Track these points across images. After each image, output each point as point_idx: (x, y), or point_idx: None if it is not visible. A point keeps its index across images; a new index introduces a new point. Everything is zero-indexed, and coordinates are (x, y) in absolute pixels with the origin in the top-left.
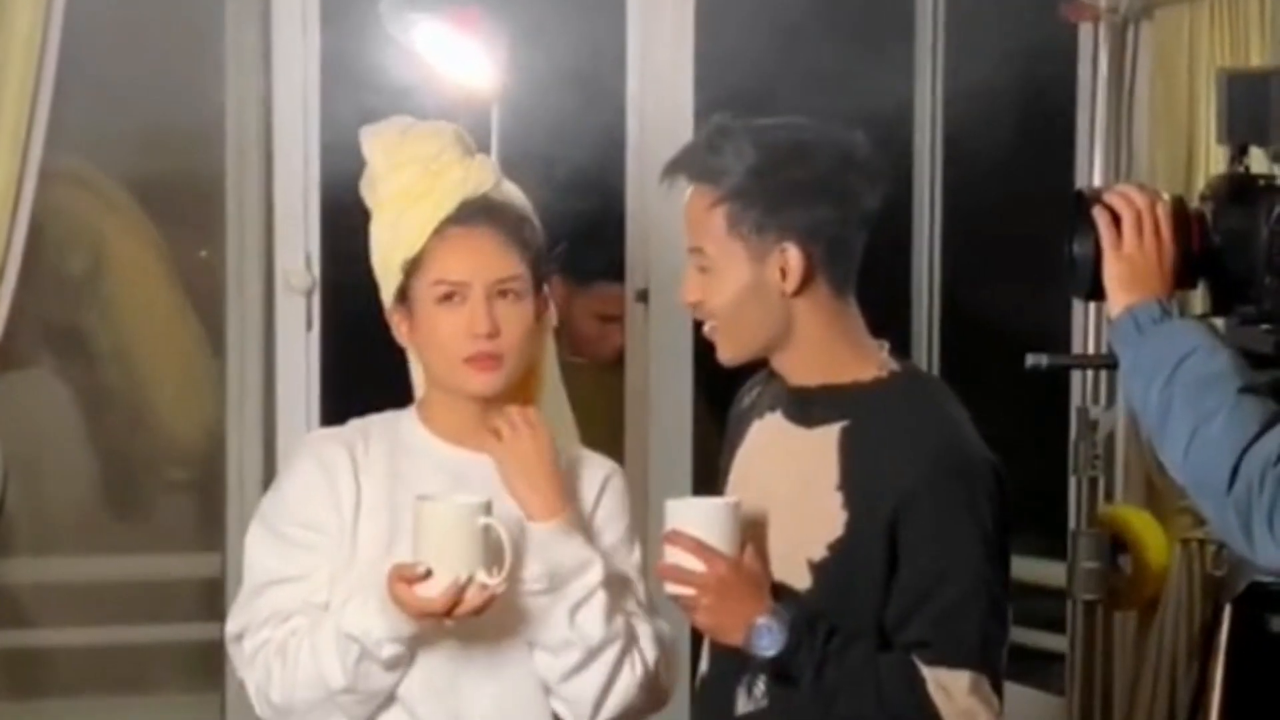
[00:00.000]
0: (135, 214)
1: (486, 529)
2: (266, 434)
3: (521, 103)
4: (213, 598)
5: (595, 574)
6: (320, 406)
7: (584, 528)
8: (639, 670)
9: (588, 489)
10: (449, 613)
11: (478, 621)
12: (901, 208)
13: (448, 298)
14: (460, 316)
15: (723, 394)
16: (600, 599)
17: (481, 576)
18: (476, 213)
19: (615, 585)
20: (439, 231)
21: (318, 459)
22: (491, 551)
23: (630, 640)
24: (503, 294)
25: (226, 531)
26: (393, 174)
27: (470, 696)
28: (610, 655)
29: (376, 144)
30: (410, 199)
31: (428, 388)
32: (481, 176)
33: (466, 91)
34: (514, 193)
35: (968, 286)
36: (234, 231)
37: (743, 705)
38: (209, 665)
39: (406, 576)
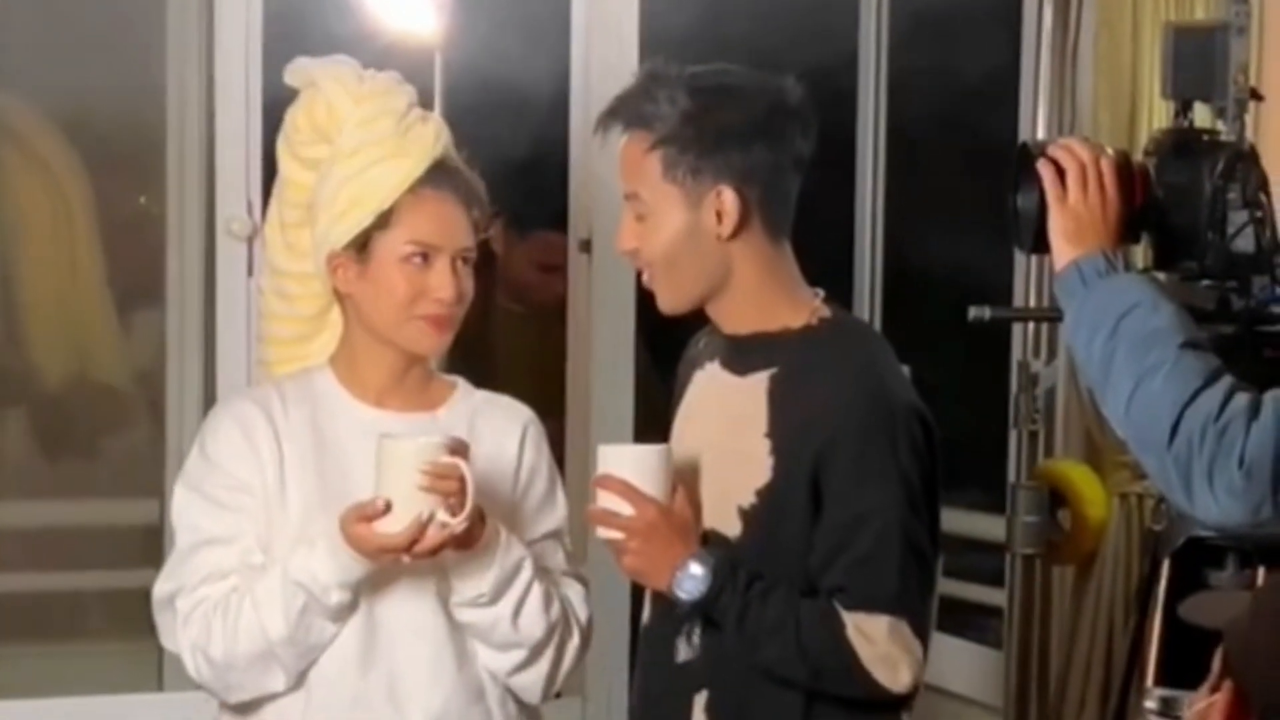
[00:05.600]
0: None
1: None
2: (206, 379)
3: (465, 51)
4: (151, 545)
5: (528, 572)
6: None
7: (506, 479)
8: (578, 641)
9: (506, 439)
10: (408, 550)
11: (396, 591)
12: (845, 159)
13: (420, 257)
14: (425, 277)
15: (665, 344)
16: (536, 595)
17: (442, 515)
18: (445, 176)
19: (545, 551)
20: (412, 190)
21: (237, 420)
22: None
23: (567, 622)
24: (465, 260)
25: (166, 478)
26: (363, 126)
27: (395, 654)
28: (553, 645)
29: (336, 83)
30: (380, 153)
31: (350, 342)
32: (446, 136)
33: (409, 39)
34: (458, 157)
35: (911, 239)
36: (174, 177)
37: (683, 654)
38: (147, 612)
39: (366, 514)
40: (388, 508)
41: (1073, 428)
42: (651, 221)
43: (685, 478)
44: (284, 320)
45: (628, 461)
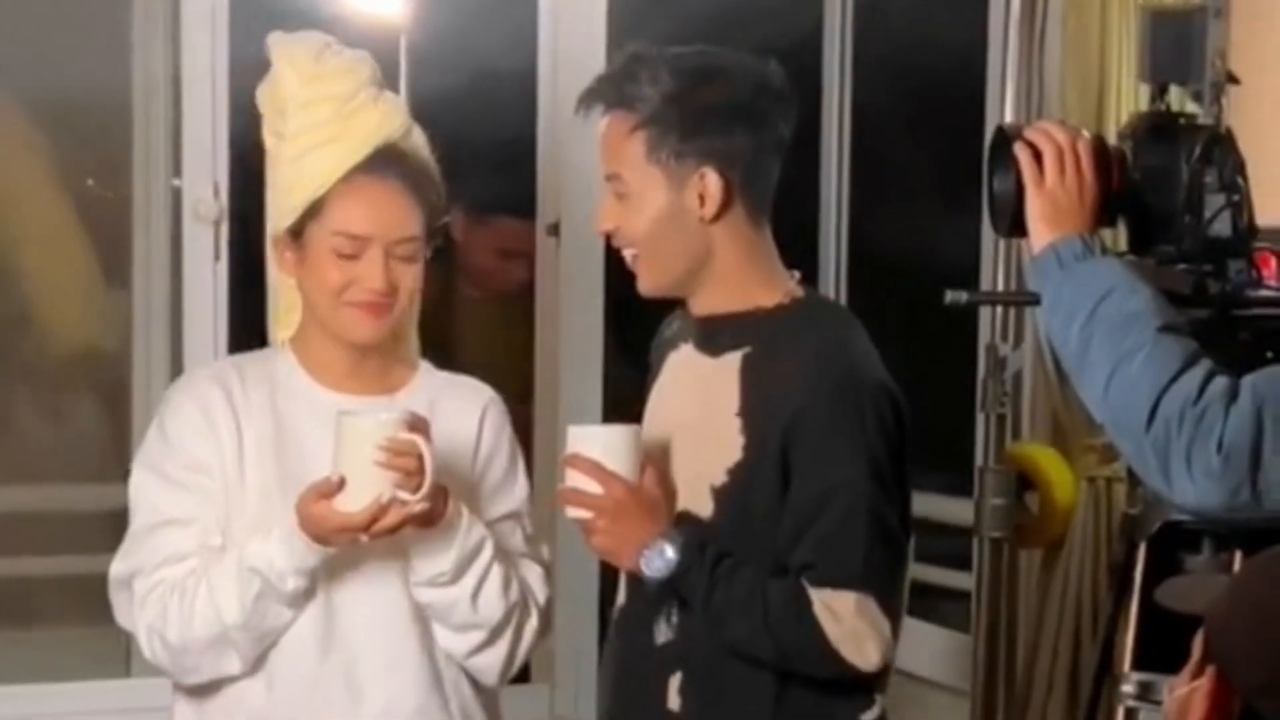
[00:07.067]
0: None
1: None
2: (174, 364)
3: (430, 33)
4: (118, 530)
5: (488, 553)
6: (228, 337)
7: (465, 459)
8: (536, 623)
9: (466, 419)
10: (366, 529)
11: (359, 571)
12: (810, 142)
13: (349, 247)
14: (355, 268)
15: (633, 328)
16: (496, 576)
17: (401, 494)
18: (387, 163)
19: (504, 533)
20: (346, 178)
21: (196, 400)
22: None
23: (525, 603)
24: (400, 254)
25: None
26: (303, 110)
27: (353, 640)
28: (512, 626)
29: (288, 62)
30: (319, 139)
31: (306, 324)
32: (395, 122)
33: (375, 21)
34: (421, 143)
35: (876, 223)
36: (140, 160)
37: (662, 635)
38: None
39: (323, 492)
40: (342, 483)
41: (1040, 411)
42: (633, 203)
43: (657, 458)
44: (285, 290)
45: (596, 441)
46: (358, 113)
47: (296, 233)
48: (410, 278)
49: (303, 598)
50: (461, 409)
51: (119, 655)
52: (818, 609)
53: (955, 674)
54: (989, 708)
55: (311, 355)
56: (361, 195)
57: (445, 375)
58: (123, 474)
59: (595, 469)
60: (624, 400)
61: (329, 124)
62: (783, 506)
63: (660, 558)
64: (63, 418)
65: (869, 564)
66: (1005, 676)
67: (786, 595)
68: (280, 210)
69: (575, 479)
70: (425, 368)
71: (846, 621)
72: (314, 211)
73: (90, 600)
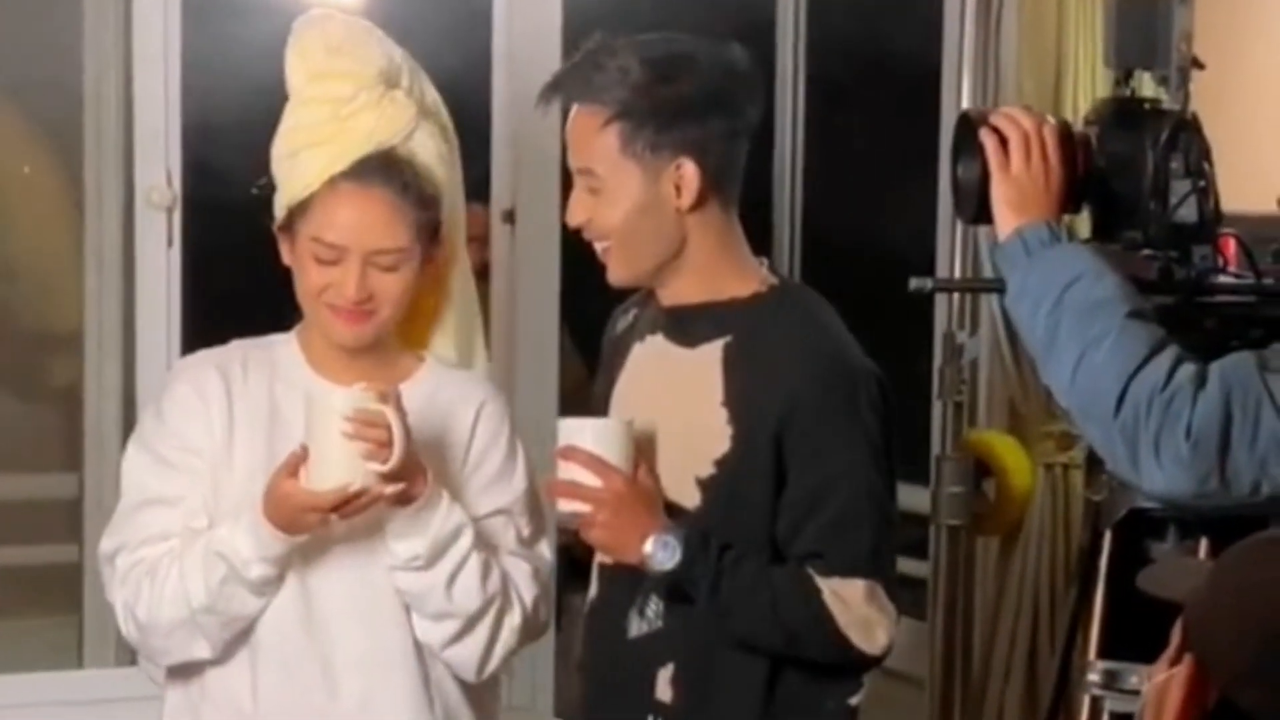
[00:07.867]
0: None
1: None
2: (126, 352)
3: (385, 15)
4: (70, 519)
5: (466, 540)
6: (181, 325)
7: (456, 450)
8: (518, 619)
9: (461, 412)
10: (335, 510)
11: (338, 555)
12: (764, 125)
13: (324, 256)
14: (332, 274)
15: (586, 316)
16: (473, 565)
17: (372, 464)
18: (375, 170)
19: (494, 530)
20: (331, 183)
21: (193, 383)
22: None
23: (506, 596)
24: (380, 264)
25: (84, 452)
26: (302, 107)
27: (332, 629)
28: (489, 618)
29: (299, 53)
30: (311, 141)
31: (306, 316)
32: (393, 127)
33: (328, 2)
34: (425, 146)
35: (831, 206)
36: (92, 146)
37: (635, 628)
38: (66, 588)
39: (291, 467)
40: (305, 453)
41: (997, 399)
42: (607, 197)
43: (640, 450)
44: None
45: (589, 434)
46: (355, 115)
47: (286, 228)
48: (393, 286)
49: (270, 585)
50: (458, 402)
51: (71, 646)
52: (827, 597)
53: (912, 662)
54: (946, 695)
55: (312, 346)
56: (343, 203)
57: (451, 370)
58: (76, 463)
59: (593, 461)
60: (576, 389)
61: (324, 125)
62: (775, 496)
63: (665, 550)
64: (14, 406)
65: (876, 550)
66: (962, 664)
67: (795, 585)
68: (276, 201)
69: (570, 471)
70: (430, 361)
71: (856, 609)
72: (299, 212)
73: (42, 591)
